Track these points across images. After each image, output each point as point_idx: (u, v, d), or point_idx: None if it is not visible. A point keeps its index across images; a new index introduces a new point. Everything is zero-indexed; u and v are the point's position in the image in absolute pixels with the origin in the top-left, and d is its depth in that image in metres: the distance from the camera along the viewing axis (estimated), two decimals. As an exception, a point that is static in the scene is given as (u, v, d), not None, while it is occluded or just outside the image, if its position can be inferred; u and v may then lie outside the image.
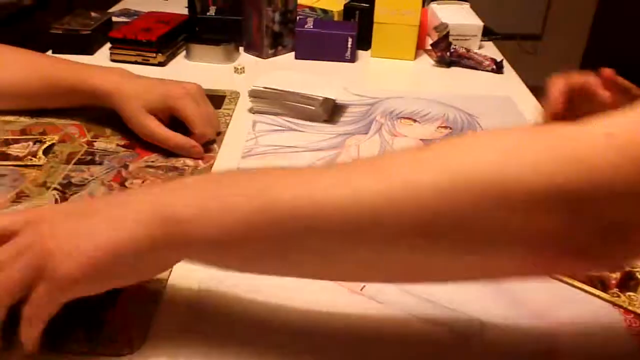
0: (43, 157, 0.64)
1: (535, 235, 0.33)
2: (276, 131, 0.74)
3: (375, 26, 1.00)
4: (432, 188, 0.33)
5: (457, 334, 0.44)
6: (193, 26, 1.02)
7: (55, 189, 0.59)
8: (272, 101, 0.77)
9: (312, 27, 1.00)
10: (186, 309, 0.45)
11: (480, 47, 1.07)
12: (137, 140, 0.67)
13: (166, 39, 0.95)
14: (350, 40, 0.98)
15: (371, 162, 0.39)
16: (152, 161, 0.65)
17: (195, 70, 0.94)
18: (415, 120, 0.79)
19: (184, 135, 0.66)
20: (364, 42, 1.01)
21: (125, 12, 1.18)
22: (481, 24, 1.06)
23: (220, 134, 0.72)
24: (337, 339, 0.43)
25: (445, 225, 0.33)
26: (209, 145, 0.68)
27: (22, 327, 0.37)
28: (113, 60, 0.94)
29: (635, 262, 0.50)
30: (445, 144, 0.38)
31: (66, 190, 0.59)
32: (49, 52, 0.94)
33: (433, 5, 1.13)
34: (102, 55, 0.96)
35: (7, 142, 0.67)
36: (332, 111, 0.79)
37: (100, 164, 0.64)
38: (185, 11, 1.07)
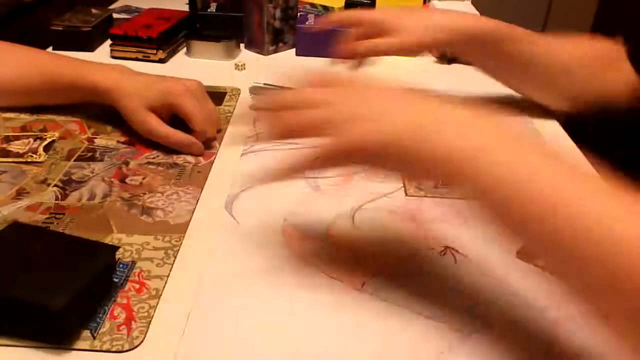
0: (43, 153, 0.64)
1: None
2: (277, 128, 0.74)
3: (376, 23, 1.00)
4: None
5: (459, 331, 0.44)
6: (194, 23, 1.02)
7: (55, 185, 0.59)
8: (272, 98, 0.77)
9: (313, 23, 1.00)
10: (186, 307, 0.45)
11: (481, 45, 1.06)
12: (138, 137, 0.67)
13: (167, 36, 0.95)
14: (351, 37, 0.98)
15: None
16: (153, 158, 0.65)
17: (196, 66, 0.94)
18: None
19: (185, 132, 0.66)
20: (364, 39, 1.01)
21: (125, 9, 1.18)
22: (482, 21, 1.05)
23: (220, 130, 0.72)
24: (338, 336, 0.43)
25: None
26: (209, 142, 0.68)
27: (290, 157, 0.44)
28: (113, 57, 0.94)
29: None
30: None
31: (67, 186, 0.59)
32: (50, 49, 0.94)
33: (434, 3, 1.13)
34: (103, 52, 0.96)
35: (8, 139, 0.67)
36: (332, 108, 0.79)
37: (101, 160, 0.64)
38: (186, 8, 1.06)
